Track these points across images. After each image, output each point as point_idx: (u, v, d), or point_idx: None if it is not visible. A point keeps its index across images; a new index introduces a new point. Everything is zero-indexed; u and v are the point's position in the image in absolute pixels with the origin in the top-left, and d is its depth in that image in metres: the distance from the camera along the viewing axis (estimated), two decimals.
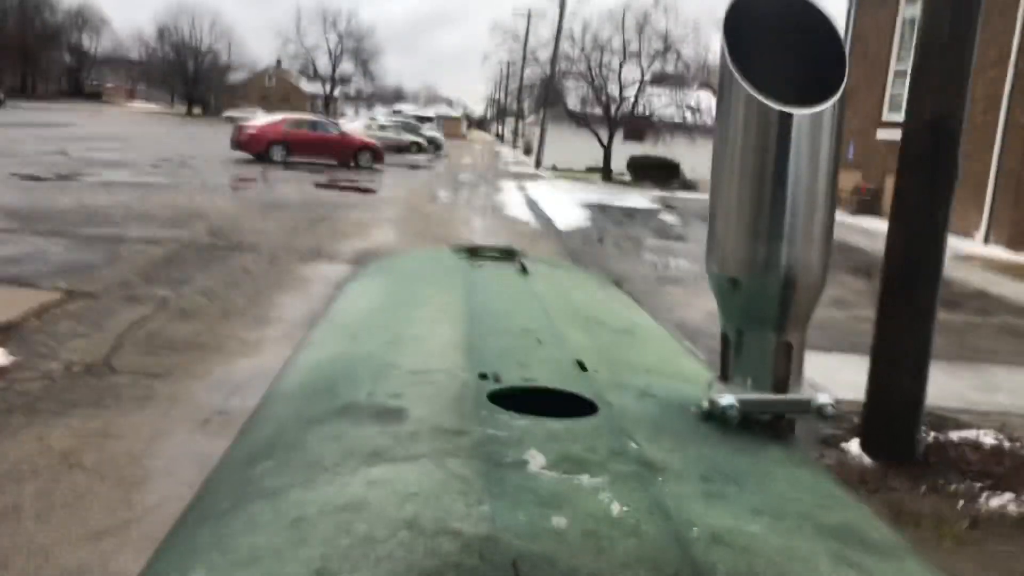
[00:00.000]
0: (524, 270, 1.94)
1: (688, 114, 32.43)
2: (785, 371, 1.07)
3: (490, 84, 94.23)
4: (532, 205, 20.02)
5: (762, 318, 1.05)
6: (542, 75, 37.52)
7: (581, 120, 33.69)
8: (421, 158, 40.06)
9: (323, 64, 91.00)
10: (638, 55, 32.79)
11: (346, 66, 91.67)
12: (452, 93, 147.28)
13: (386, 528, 0.72)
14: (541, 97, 38.45)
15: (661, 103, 32.58)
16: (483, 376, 1.13)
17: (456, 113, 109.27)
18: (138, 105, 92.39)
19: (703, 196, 21.51)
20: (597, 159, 34.77)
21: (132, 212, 12.71)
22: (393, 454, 0.89)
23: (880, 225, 20.59)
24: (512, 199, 21.62)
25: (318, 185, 20.42)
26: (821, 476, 1.03)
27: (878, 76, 22.05)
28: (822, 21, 1.04)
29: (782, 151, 0.98)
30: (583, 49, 33.67)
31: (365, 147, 28.03)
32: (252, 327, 7.03)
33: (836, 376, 6.99)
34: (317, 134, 27.30)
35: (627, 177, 33.28)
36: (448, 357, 1.24)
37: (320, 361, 1.35)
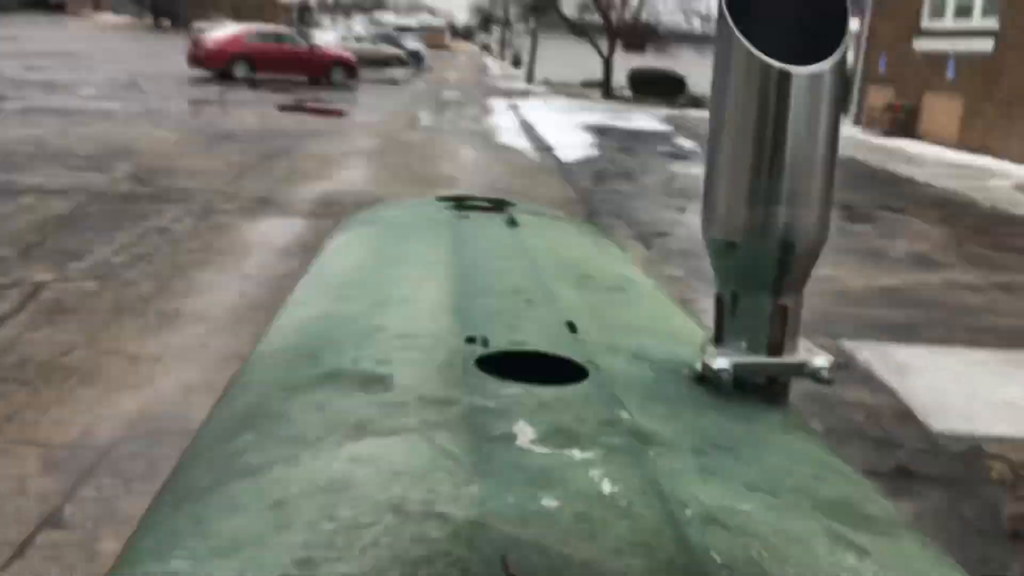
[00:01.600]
0: (513, 222, 1.91)
1: (697, 22, 29.58)
2: (781, 334, 1.05)
3: None
4: (527, 129, 17.60)
5: (758, 281, 1.04)
6: None
7: (578, 29, 30.61)
8: (401, 72, 36.63)
9: None
10: None
11: None
12: (435, 1, 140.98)
13: (371, 512, 0.71)
14: (532, 2, 35.31)
15: (667, 9, 29.63)
16: (471, 339, 1.10)
17: (439, 23, 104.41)
18: (105, 17, 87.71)
19: None
20: (593, 72, 31.95)
21: (45, 149, 10.34)
22: (379, 427, 0.88)
23: (922, 149, 18.17)
24: (504, 122, 19.10)
25: (282, 108, 17.82)
26: (816, 445, 1.02)
27: None
28: None
29: (781, 111, 0.97)
30: None
31: (338, 61, 25.26)
32: (153, 332, 4.90)
33: (985, 388, 4.93)
34: (284, 47, 24.46)
35: (627, 92, 30.65)
36: (435, 319, 1.21)
37: (304, 322, 1.31)
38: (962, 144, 17.48)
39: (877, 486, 0.97)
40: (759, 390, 1.06)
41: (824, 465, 0.95)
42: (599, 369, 1.04)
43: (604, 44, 30.07)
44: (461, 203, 2.08)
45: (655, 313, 1.50)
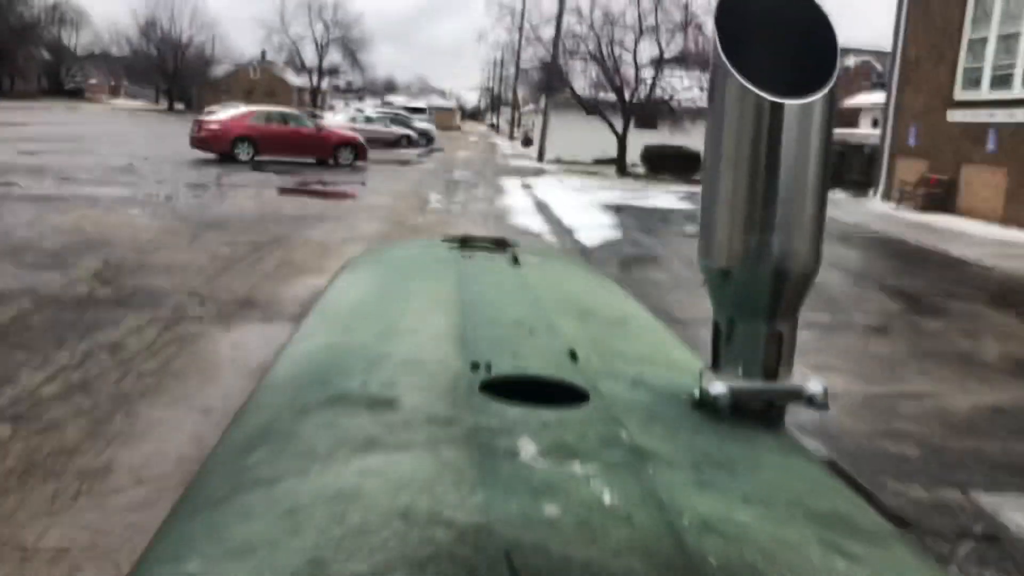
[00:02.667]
0: (516, 260, 1.93)
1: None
2: (776, 359, 1.07)
3: (484, 72, 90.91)
4: (543, 209, 16.56)
5: (753, 308, 1.06)
6: (544, 56, 33.73)
7: (591, 106, 29.78)
8: (411, 152, 36.03)
9: (310, 56, 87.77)
10: (655, 30, 28.92)
11: (335, 57, 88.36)
12: (445, 84, 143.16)
13: (379, 518, 0.72)
14: (543, 82, 34.65)
15: (682, 85, 28.86)
16: (475, 366, 1.12)
17: (450, 104, 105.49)
18: (121, 102, 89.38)
19: None
20: (605, 150, 31.17)
21: (5, 242, 9.29)
22: (386, 443, 0.89)
23: (965, 225, 16.62)
24: (518, 202, 18.04)
25: (283, 191, 16.91)
26: (811, 464, 1.04)
27: (948, 47, 18.59)
28: (815, 10, 1.03)
29: (774, 142, 0.98)
30: (591, 25, 29.74)
31: (345, 142, 24.51)
32: (65, 507, 3.63)
33: None
34: (290, 128, 23.76)
35: (641, 170, 29.78)
36: (440, 347, 1.24)
37: (312, 351, 1.34)
38: (1008, 219, 16.29)
39: (869, 502, 1.03)
40: (756, 414, 1.08)
41: (818, 482, 0.99)
42: (600, 394, 1.07)
43: (618, 121, 29.32)
44: (465, 243, 2.10)
45: (654, 344, 1.53)
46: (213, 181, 17.54)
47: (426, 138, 43.27)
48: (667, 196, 21.42)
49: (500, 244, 2.10)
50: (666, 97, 29.46)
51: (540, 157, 35.44)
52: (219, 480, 0.89)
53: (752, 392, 1.06)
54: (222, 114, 24.05)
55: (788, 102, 0.97)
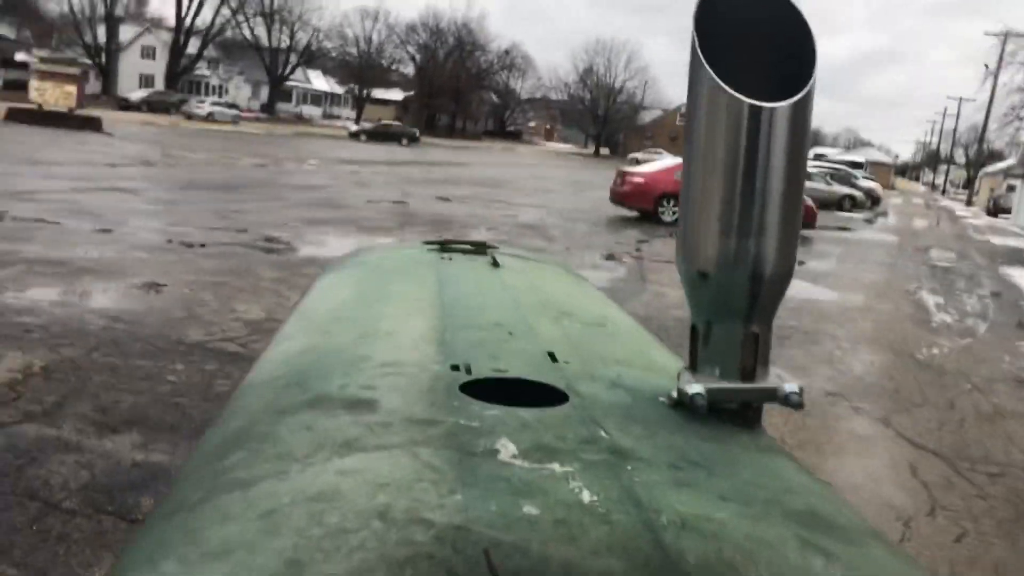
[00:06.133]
0: (495, 263, 1.93)
1: None
2: (752, 361, 1.07)
3: (920, 127, 79.62)
4: None
5: (731, 310, 1.06)
6: None
7: None
8: (857, 217, 29.82)
9: None
10: None
11: None
12: (876, 137, 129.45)
13: (358, 518, 0.72)
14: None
15: None
16: (455, 367, 1.12)
17: (885, 158, 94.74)
18: (553, 145, 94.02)
19: None
20: None
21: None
22: (365, 444, 0.88)
23: None
24: None
25: None
26: (788, 462, 1.03)
27: None
28: (793, 14, 1.03)
29: (751, 145, 0.98)
30: None
31: None
32: None
33: None
34: None
35: None
36: (420, 349, 1.23)
37: (292, 354, 1.32)
38: None
39: (847, 498, 0.99)
40: (733, 414, 1.09)
41: (795, 480, 0.98)
42: (579, 394, 1.07)
43: None
44: (444, 246, 2.13)
45: (633, 345, 1.52)
46: (630, 249, 14.15)
47: (871, 199, 36.94)
48: None
49: (479, 247, 2.13)
50: None
51: None
52: (197, 483, 0.88)
53: (729, 392, 1.07)
54: (647, 167, 20.94)
55: (766, 105, 0.97)
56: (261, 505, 0.76)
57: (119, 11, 63.91)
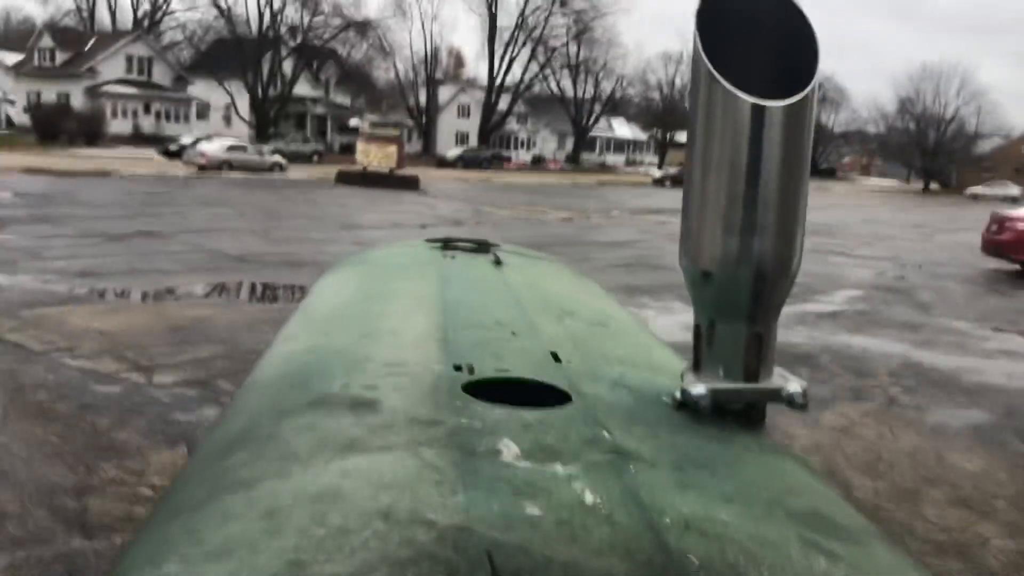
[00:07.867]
0: (498, 262, 1.92)
1: None
2: (756, 361, 1.06)
3: None
4: None
5: (734, 310, 1.05)
6: None
7: None
8: None
9: None
10: None
11: None
12: None
13: (360, 519, 0.71)
14: None
15: None
16: (457, 368, 1.12)
17: None
18: (871, 181, 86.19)
19: None
20: None
21: None
22: (367, 445, 0.87)
23: None
24: None
25: None
26: (791, 463, 1.02)
27: None
28: (796, 14, 1.03)
29: (755, 143, 0.98)
30: None
31: None
32: None
33: None
34: None
35: None
36: (422, 349, 1.22)
37: (294, 354, 1.31)
38: None
39: (850, 500, 0.99)
40: (736, 415, 1.08)
41: (798, 481, 0.98)
42: (582, 395, 1.07)
43: None
44: (447, 244, 2.14)
45: (636, 345, 1.52)
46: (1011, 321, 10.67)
47: None
48: None
49: (482, 245, 2.15)
50: None
51: None
52: (199, 483, 0.87)
53: (733, 393, 1.07)
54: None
55: (769, 104, 0.97)
56: (263, 505, 0.76)
57: (439, 75, 68.43)
